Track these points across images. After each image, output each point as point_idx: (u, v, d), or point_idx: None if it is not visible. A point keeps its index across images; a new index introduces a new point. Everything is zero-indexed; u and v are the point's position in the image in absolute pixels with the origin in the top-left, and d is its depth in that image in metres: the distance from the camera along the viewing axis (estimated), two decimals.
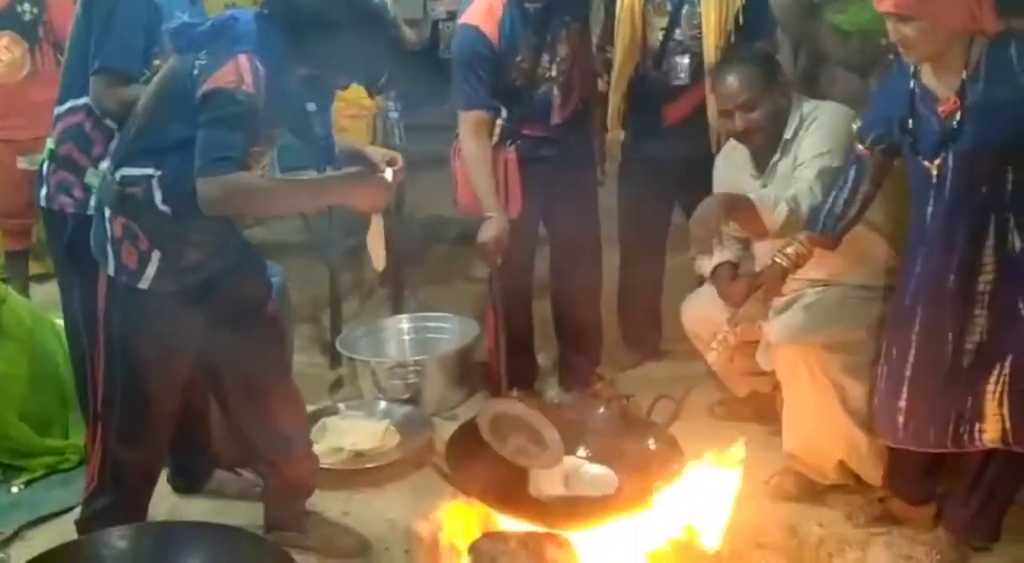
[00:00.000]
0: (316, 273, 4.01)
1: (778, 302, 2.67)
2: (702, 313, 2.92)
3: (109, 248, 2.17)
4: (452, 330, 3.64)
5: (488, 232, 2.90)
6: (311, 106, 2.18)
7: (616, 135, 3.32)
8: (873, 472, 2.63)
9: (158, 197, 2.12)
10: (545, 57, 2.98)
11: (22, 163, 3.72)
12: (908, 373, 2.32)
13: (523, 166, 3.03)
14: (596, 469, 2.42)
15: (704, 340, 2.86)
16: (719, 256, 2.92)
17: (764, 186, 2.73)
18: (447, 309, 3.92)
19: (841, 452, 2.62)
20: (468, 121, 2.96)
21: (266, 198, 2.10)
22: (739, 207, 2.52)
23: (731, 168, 2.88)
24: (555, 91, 3.03)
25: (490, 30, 2.88)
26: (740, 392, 3.10)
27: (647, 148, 3.26)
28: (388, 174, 2.30)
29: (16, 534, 2.67)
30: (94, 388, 2.28)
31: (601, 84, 3.29)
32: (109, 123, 2.47)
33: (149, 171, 2.13)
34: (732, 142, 2.85)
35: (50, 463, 2.93)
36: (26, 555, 2.42)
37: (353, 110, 3.83)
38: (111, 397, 2.25)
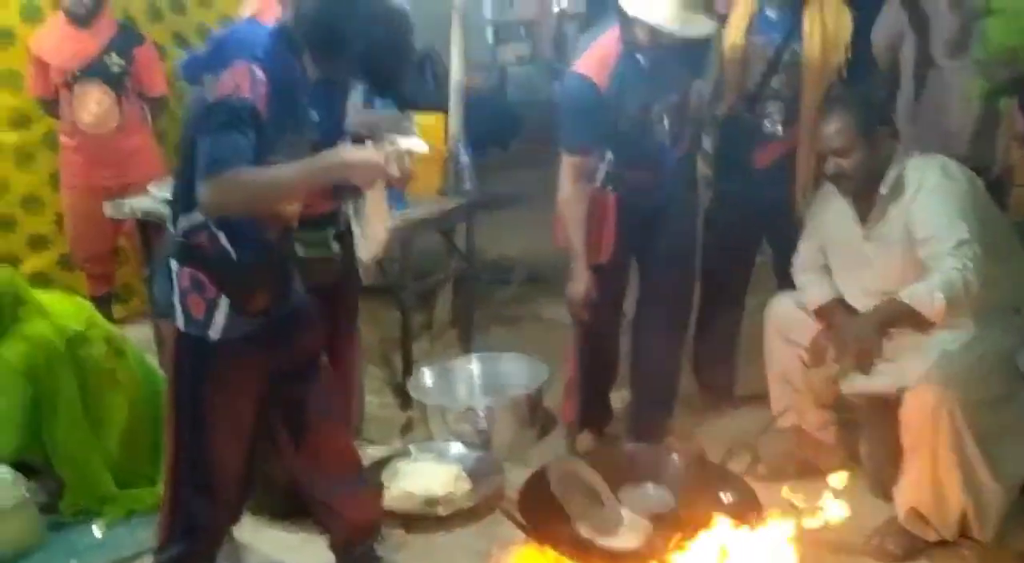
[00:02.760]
0: (388, 315, 4.05)
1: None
2: (792, 313, 2.90)
3: (177, 301, 2.17)
4: (522, 372, 3.63)
5: (576, 288, 2.96)
6: (314, 116, 2.17)
7: (704, 172, 3.29)
8: (990, 527, 2.52)
9: (223, 238, 2.11)
10: (656, 107, 2.94)
11: (108, 210, 3.85)
12: None
13: (622, 210, 2.99)
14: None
15: (780, 339, 2.88)
16: (823, 291, 2.83)
17: (866, 238, 2.71)
18: (516, 350, 3.92)
19: (965, 503, 2.49)
20: (569, 165, 2.96)
21: (262, 188, 2.04)
22: (897, 317, 2.53)
23: (830, 213, 2.82)
24: (662, 138, 2.97)
25: (600, 80, 2.84)
26: (814, 424, 2.92)
27: (735, 189, 3.23)
28: (391, 148, 2.21)
29: None
30: (168, 442, 2.27)
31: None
32: None
33: (204, 217, 2.12)
34: (829, 186, 2.80)
35: (133, 507, 2.96)
36: None
37: (424, 155, 3.87)
38: (182, 452, 2.25)
